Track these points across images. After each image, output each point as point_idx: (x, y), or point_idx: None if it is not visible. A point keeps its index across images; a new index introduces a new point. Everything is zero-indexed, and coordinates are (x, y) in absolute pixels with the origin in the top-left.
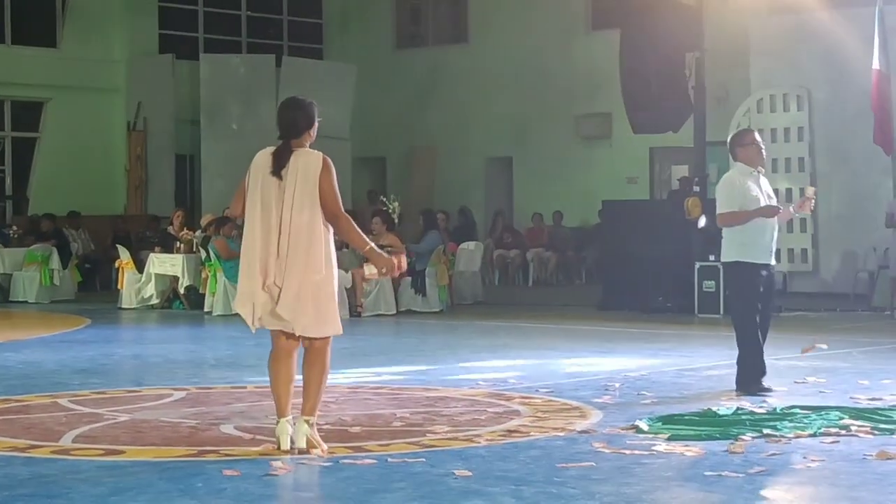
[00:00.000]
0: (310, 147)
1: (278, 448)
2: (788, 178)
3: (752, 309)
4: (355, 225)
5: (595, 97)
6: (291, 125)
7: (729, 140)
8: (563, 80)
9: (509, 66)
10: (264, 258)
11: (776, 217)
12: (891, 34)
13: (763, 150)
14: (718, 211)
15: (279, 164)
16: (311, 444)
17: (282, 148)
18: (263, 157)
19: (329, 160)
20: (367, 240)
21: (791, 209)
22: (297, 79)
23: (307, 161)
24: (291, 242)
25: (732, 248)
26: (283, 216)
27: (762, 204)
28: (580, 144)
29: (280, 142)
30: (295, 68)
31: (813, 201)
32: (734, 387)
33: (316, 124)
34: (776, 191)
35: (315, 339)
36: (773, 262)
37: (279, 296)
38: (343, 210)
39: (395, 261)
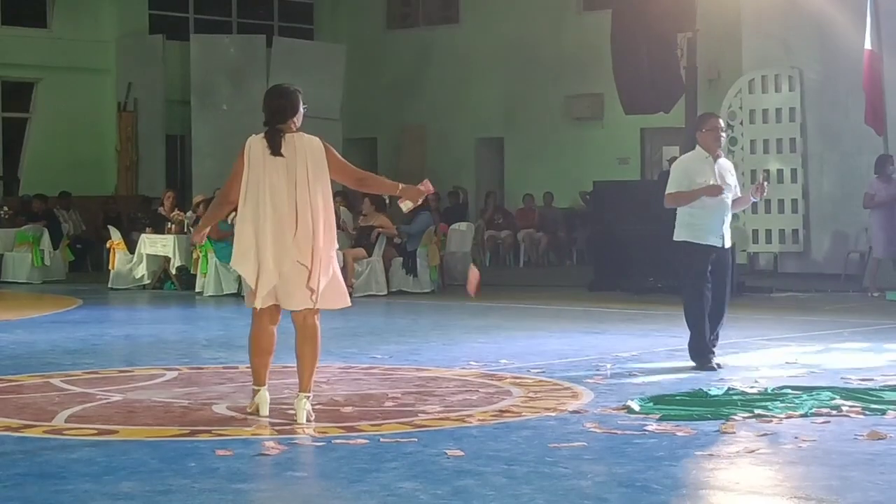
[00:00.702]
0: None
1: (257, 413)
2: (780, 159)
3: (700, 290)
4: (379, 176)
5: (586, 78)
6: (278, 111)
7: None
8: (554, 60)
9: (500, 46)
10: (279, 238)
11: (735, 203)
12: (883, 14)
13: (722, 137)
14: (666, 192)
15: (275, 144)
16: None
17: (272, 131)
18: (258, 142)
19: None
20: (395, 182)
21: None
22: (287, 59)
23: (310, 144)
24: (308, 223)
25: (682, 228)
26: (299, 197)
27: None
28: (571, 125)
29: (266, 127)
30: (285, 48)
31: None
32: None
33: (301, 112)
34: (766, 171)
35: (308, 315)
36: (725, 244)
37: (308, 275)
38: (362, 170)
39: (422, 187)
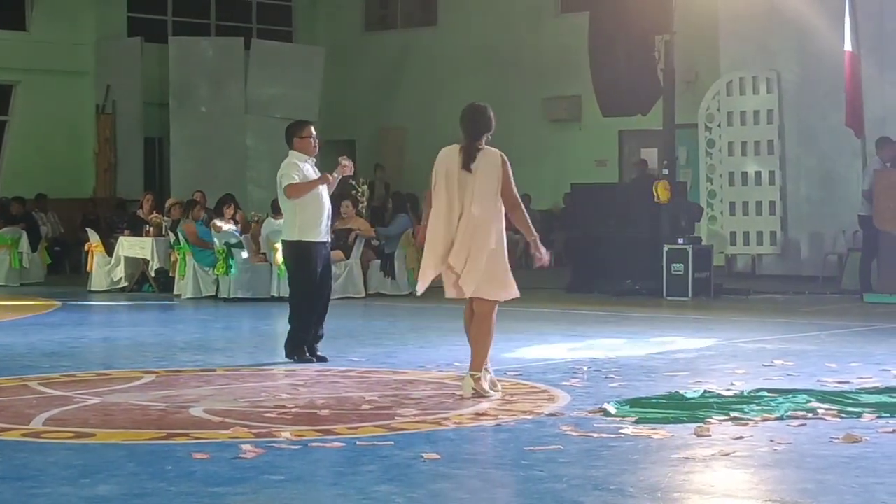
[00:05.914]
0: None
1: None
2: (758, 161)
3: (311, 285)
4: (526, 215)
5: (564, 80)
6: (476, 129)
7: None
8: (532, 62)
9: (478, 48)
10: (447, 240)
11: (327, 187)
12: (861, 16)
13: (317, 145)
14: (285, 184)
15: (468, 159)
16: (478, 395)
17: (469, 146)
18: (450, 152)
19: (506, 158)
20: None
21: (334, 175)
22: (265, 61)
23: (489, 160)
24: (471, 227)
25: (294, 228)
26: (465, 205)
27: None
28: (549, 127)
29: (466, 141)
30: (263, 51)
31: (348, 167)
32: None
33: (492, 127)
34: (745, 173)
35: (477, 303)
36: (328, 240)
37: (463, 270)
38: (518, 201)
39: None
